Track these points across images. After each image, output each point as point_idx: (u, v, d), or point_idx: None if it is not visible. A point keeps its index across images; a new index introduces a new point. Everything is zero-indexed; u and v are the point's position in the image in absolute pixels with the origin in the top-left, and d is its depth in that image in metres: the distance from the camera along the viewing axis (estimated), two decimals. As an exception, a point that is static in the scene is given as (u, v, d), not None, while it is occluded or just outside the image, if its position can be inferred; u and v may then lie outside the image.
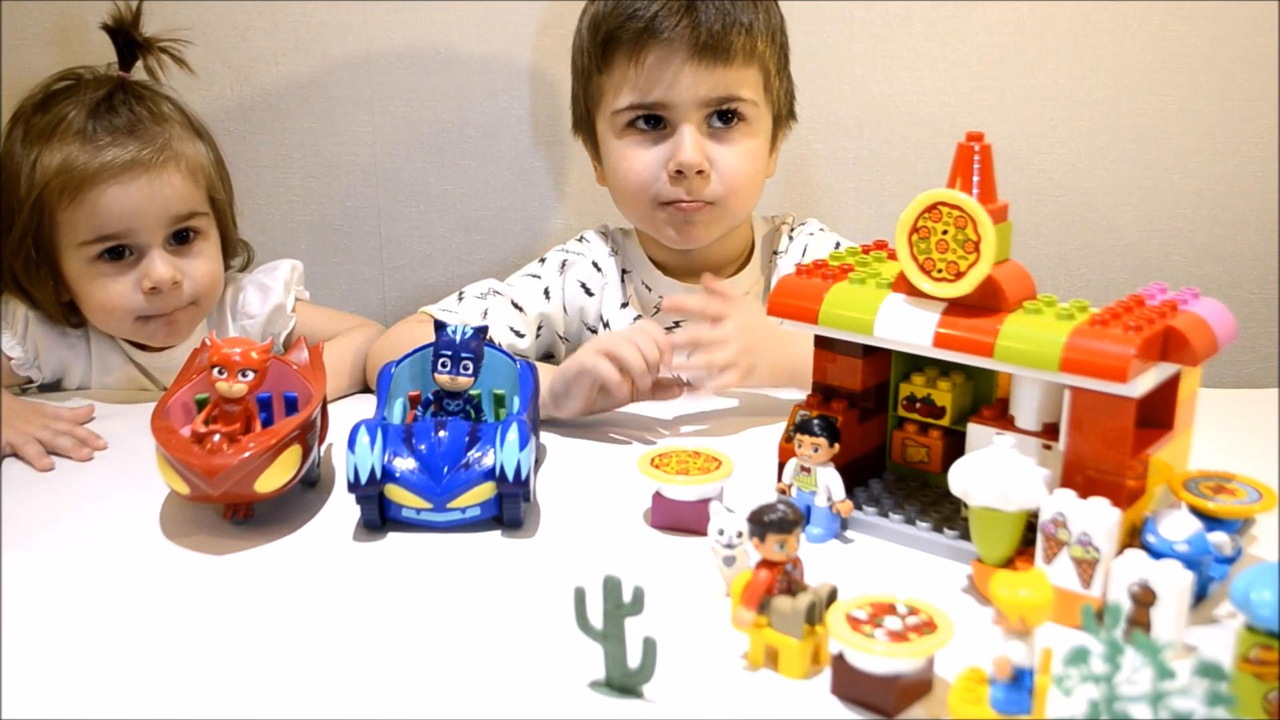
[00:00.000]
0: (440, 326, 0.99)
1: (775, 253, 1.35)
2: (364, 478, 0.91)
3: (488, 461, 0.93)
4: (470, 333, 0.99)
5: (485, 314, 1.27)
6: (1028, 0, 1.53)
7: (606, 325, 1.33)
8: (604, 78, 1.25)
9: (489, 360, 1.03)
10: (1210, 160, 1.59)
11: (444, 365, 0.98)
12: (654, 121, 1.23)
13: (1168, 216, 1.61)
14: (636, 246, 1.36)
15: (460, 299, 1.29)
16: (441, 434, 0.95)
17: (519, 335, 1.29)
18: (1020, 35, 1.54)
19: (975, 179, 0.85)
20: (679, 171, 1.22)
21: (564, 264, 1.34)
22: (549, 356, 1.37)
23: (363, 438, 0.92)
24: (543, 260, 1.36)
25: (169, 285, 1.19)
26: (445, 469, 0.93)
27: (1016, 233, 0.88)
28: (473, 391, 1.01)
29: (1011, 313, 0.84)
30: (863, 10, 1.51)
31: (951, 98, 1.56)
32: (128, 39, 1.26)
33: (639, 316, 1.33)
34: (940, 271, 0.85)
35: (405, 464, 0.93)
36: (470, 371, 0.99)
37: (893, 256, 0.97)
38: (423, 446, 0.94)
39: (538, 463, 1.05)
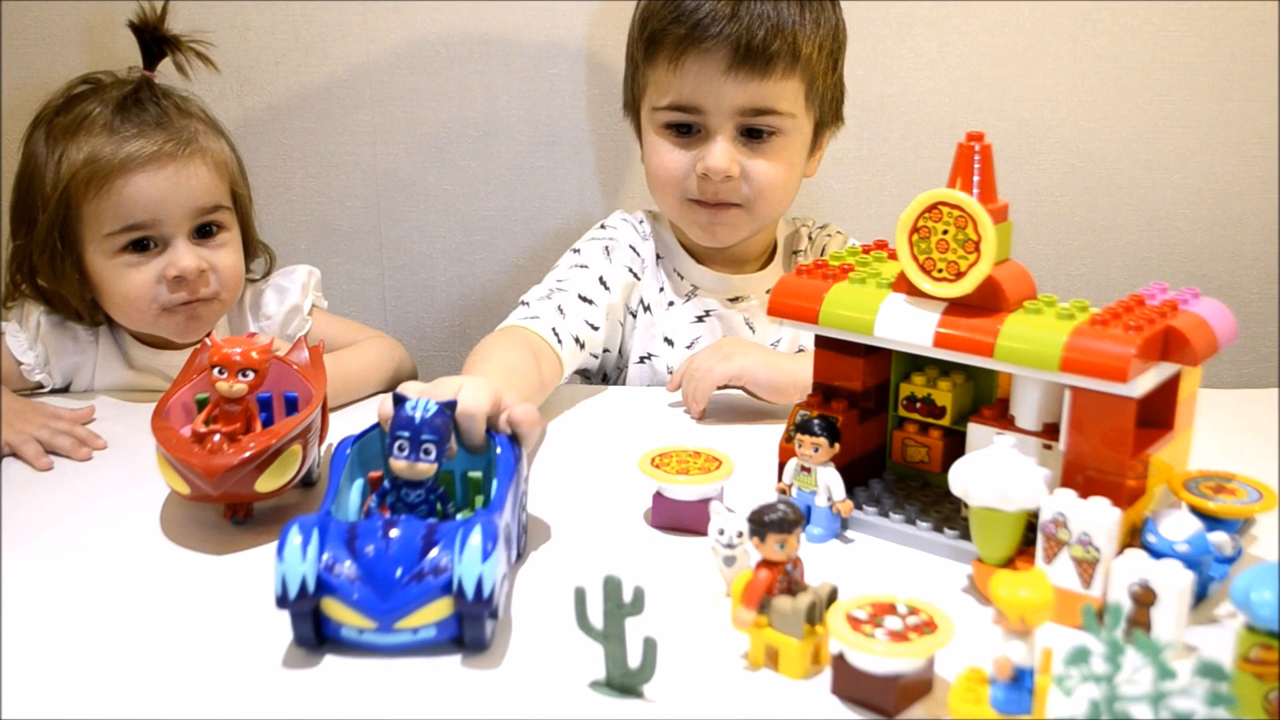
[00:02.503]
0: (399, 400, 0.82)
1: (795, 253, 1.36)
2: (293, 591, 0.74)
3: (446, 571, 0.75)
4: (434, 409, 0.81)
5: (562, 311, 1.22)
6: (1028, 0, 1.53)
7: (648, 309, 1.33)
8: (648, 72, 1.26)
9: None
10: (1210, 160, 1.59)
11: (400, 449, 0.81)
12: (687, 124, 1.24)
13: (1168, 216, 1.62)
14: (669, 232, 1.36)
15: (527, 305, 1.24)
16: (392, 534, 0.77)
17: (595, 329, 1.25)
18: (1020, 35, 1.55)
19: (975, 179, 0.85)
20: (705, 175, 1.23)
21: (606, 250, 1.32)
22: (605, 351, 1.33)
23: (293, 539, 0.75)
24: (577, 251, 1.32)
25: (195, 274, 1.20)
26: (396, 578, 0.75)
27: (1016, 233, 0.88)
28: (444, 474, 0.88)
29: (1012, 313, 0.84)
30: (863, 10, 1.51)
31: (951, 98, 1.56)
32: (154, 36, 1.27)
33: (672, 303, 1.33)
34: (940, 271, 0.85)
35: (346, 572, 0.76)
36: (433, 456, 0.81)
37: (893, 256, 0.97)
38: (369, 549, 0.76)
39: (520, 557, 0.90)
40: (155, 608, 0.83)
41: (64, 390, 1.29)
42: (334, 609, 0.76)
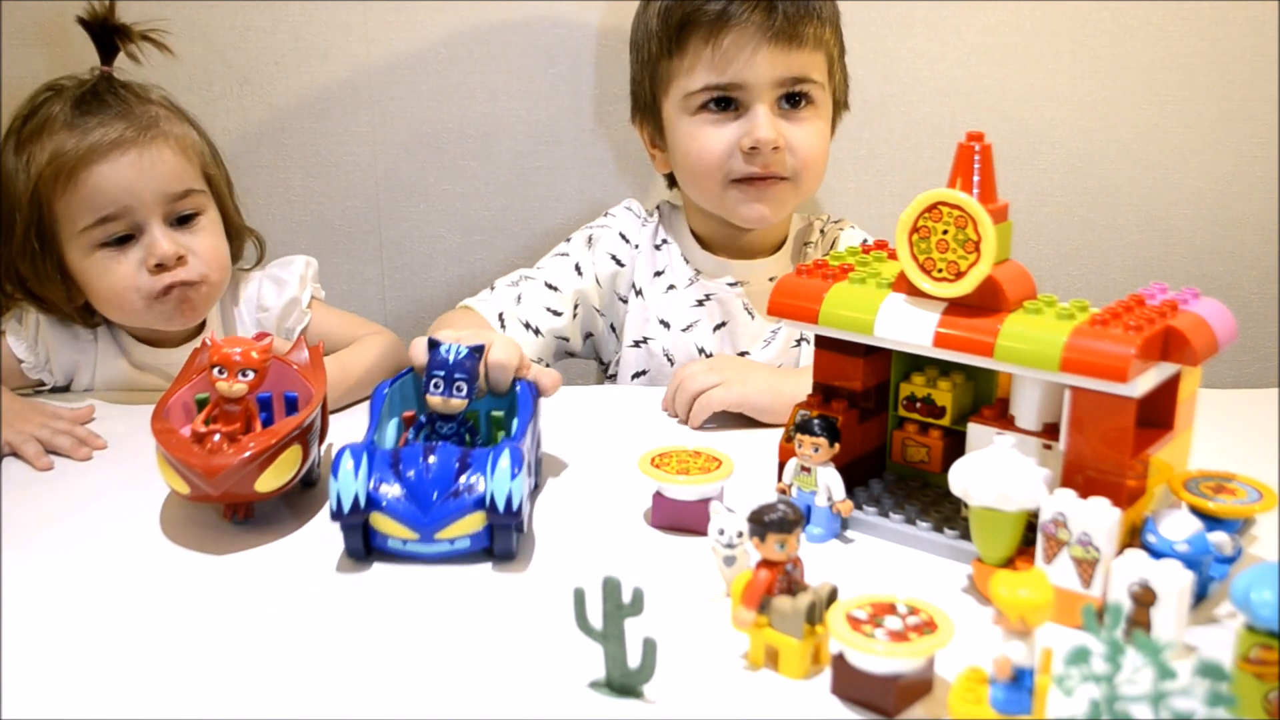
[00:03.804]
0: (434, 345, 0.95)
1: (806, 244, 1.37)
2: (346, 506, 0.86)
3: (478, 489, 0.87)
4: (465, 352, 0.94)
5: (519, 299, 1.29)
6: (1028, 0, 1.53)
7: (639, 293, 1.34)
8: (675, 61, 1.26)
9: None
10: (1210, 160, 1.59)
11: (436, 386, 0.94)
12: (726, 103, 1.25)
13: (1168, 216, 1.62)
14: (683, 219, 1.38)
15: (492, 290, 1.32)
16: (430, 459, 0.89)
17: (556, 314, 1.31)
18: (1020, 35, 1.55)
19: (975, 179, 0.85)
20: (753, 148, 1.23)
21: (590, 239, 1.36)
22: (588, 336, 1.37)
23: (346, 463, 0.86)
24: (568, 240, 1.37)
25: (173, 260, 1.19)
26: (434, 497, 0.87)
27: (1016, 233, 0.88)
28: (470, 413, 0.98)
29: (1012, 312, 0.84)
30: (863, 10, 1.51)
31: (951, 98, 1.56)
32: (105, 28, 1.26)
33: (672, 286, 1.34)
34: (940, 271, 0.85)
35: (391, 491, 0.87)
36: (464, 393, 0.94)
37: (893, 256, 0.97)
38: (410, 473, 0.88)
39: (538, 488, 1.02)
40: (155, 608, 0.83)
41: (64, 389, 1.29)
42: (381, 523, 0.87)
